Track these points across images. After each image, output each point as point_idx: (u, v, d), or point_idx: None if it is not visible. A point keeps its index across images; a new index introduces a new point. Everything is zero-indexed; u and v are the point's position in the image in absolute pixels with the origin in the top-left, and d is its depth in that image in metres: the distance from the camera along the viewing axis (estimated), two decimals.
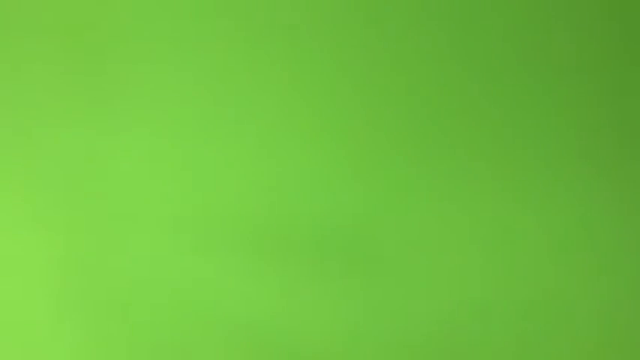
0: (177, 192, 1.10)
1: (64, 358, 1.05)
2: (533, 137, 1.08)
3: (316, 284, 1.06)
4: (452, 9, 1.14)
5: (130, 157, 1.11)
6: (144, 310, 1.06)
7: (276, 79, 1.13)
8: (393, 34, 1.13)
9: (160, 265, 1.07)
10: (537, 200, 1.06)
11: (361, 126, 1.11)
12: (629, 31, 1.09)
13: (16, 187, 1.09)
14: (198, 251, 1.07)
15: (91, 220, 1.09)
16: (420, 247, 1.05)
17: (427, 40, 1.13)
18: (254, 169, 1.10)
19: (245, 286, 1.06)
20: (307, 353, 1.04)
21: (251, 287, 1.06)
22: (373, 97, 1.12)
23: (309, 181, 1.11)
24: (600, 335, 0.99)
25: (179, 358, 1.05)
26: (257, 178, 1.10)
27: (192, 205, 1.09)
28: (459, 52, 1.11)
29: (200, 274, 1.07)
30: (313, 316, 1.05)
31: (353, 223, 1.07)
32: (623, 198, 1.03)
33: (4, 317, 1.06)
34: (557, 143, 1.08)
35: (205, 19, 1.15)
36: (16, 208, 1.09)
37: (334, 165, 1.12)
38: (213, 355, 1.04)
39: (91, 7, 1.17)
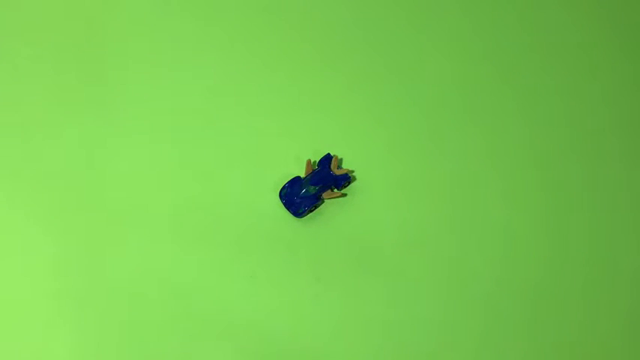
0: (175, 191, 1.07)
1: (63, 355, 1.01)
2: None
3: (318, 285, 1.04)
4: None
5: (128, 157, 1.09)
6: (143, 307, 1.02)
7: (274, 79, 1.14)
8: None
9: (158, 262, 1.04)
10: None
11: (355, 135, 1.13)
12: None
13: (16, 187, 1.07)
14: (197, 249, 1.05)
15: (89, 219, 1.06)
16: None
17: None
18: (254, 168, 1.09)
19: (245, 285, 1.04)
20: (304, 352, 1.02)
21: (251, 286, 1.04)
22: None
23: None
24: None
25: (178, 354, 1.01)
26: (257, 177, 1.08)
27: (191, 202, 1.07)
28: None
29: (199, 273, 1.04)
30: (311, 314, 1.03)
31: (350, 225, 1.07)
32: None
33: (4, 316, 1.02)
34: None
35: (204, 20, 1.17)
36: (15, 207, 1.06)
37: None
38: (212, 351, 1.01)
39: (91, 9, 1.17)
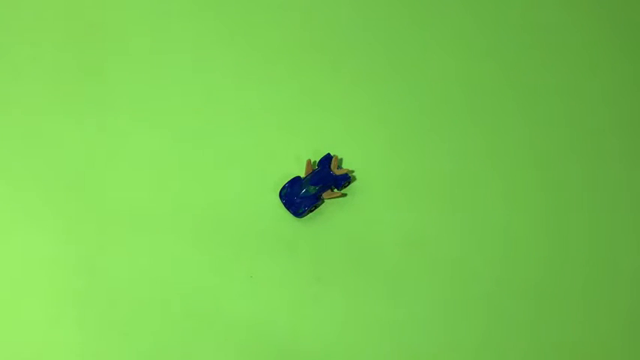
0: (176, 189, 1.07)
1: (64, 355, 1.00)
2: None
3: (318, 285, 1.04)
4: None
5: (128, 157, 1.09)
6: (143, 307, 1.02)
7: (274, 80, 1.14)
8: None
9: (158, 262, 1.04)
10: None
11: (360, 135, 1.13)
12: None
13: (16, 186, 1.07)
14: (197, 249, 1.05)
15: (89, 219, 1.06)
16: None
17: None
18: (254, 168, 1.09)
19: (245, 286, 1.04)
20: (304, 351, 1.02)
21: (251, 286, 1.04)
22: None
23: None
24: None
25: (178, 355, 1.01)
26: (257, 177, 1.08)
27: (191, 202, 1.07)
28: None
29: (199, 273, 1.04)
30: (311, 314, 1.03)
31: (350, 225, 1.08)
32: None
33: (4, 316, 1.02)
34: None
35: (204, 20, 1.17)
36: (15, 206, 1.06)
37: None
38: (212, 351, 1.01)
39: (92, 8, 1.17)
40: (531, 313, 1.04)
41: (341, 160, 1.10)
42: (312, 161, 1.09)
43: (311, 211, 1.07)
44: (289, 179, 1.07)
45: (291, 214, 1.06)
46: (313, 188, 1.06)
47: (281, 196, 1.06)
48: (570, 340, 1.03)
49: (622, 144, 1.13)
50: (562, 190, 1.10)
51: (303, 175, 1.08)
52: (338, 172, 1.07)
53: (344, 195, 1.08)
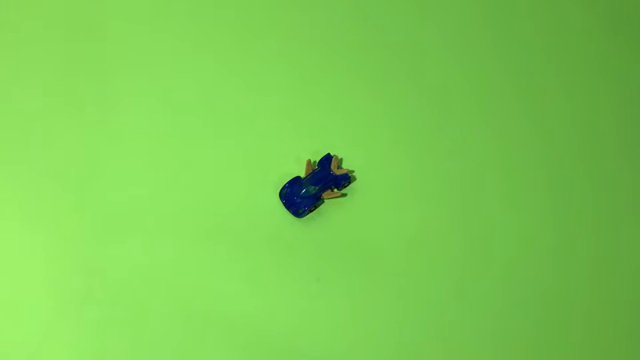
0: (176, 189, 1.07)
1: (63, 355, 1.00)
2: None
3: (318, 285, 1.04)
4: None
5: (128, 157, 1.09)
6: (143, 307, 1.02)
7: (274, 79, 1.14)
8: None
9: (158, 263, 1.04)
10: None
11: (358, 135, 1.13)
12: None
13: (15, 185, 1.07)
14: (197, 249, 1.05)
15: (89, 219, 1.05)
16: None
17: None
18: (254, 168, 1.09)
19: (245, 285, 1.04)
20: (304, 352, 1.01)
21: (251, 286, 1.04)
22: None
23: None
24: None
25: (178, 354, 1.01)
26: (257, 177, 1.08)
27: (191, 202, 1.07)
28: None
29: (199, 272, 1.04)
30: (312, 315, 1.03)
31: (350, 225, 1.08)
32: None
33: (4, 316, 1.01)
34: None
35: (204, 20, 1.17)
36: (15, 206, 1.06)
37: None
38: (212, 351, 1.00)
39: (92, 8, 1.17)
40: (534, 313, 1.04)
41: (341, 160, 1.10)
42: (312, 161, 1.09)
43: (311, 211, 1.06)
44: (289, 179, 1.07)
45: (291, 214, 1.06)
46: (313, 188, 1.06)
47: (281, 196, 1.06)
48: (573, 340, 1.03)
49: (627, 145, 1.13)
50: (565, 191, 1.10)
51: (303, 175, 1.08)
52: (338, 172, 1.07)
53: (344, 195, 1.08)
